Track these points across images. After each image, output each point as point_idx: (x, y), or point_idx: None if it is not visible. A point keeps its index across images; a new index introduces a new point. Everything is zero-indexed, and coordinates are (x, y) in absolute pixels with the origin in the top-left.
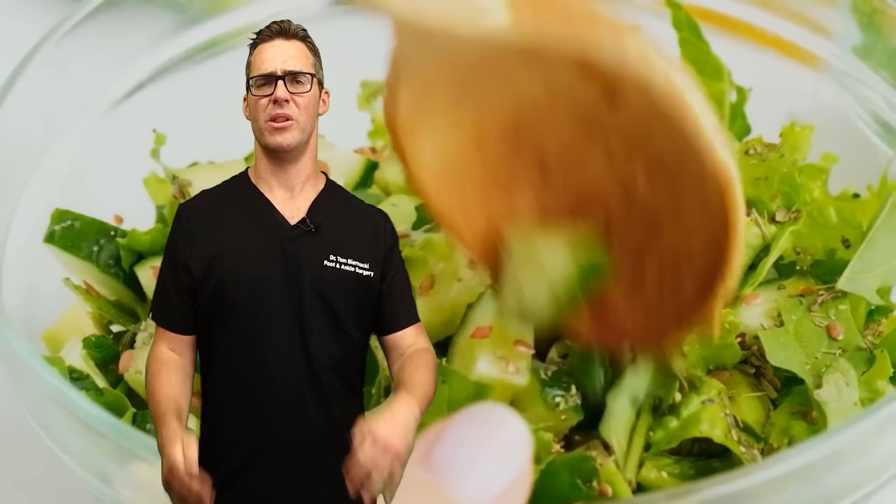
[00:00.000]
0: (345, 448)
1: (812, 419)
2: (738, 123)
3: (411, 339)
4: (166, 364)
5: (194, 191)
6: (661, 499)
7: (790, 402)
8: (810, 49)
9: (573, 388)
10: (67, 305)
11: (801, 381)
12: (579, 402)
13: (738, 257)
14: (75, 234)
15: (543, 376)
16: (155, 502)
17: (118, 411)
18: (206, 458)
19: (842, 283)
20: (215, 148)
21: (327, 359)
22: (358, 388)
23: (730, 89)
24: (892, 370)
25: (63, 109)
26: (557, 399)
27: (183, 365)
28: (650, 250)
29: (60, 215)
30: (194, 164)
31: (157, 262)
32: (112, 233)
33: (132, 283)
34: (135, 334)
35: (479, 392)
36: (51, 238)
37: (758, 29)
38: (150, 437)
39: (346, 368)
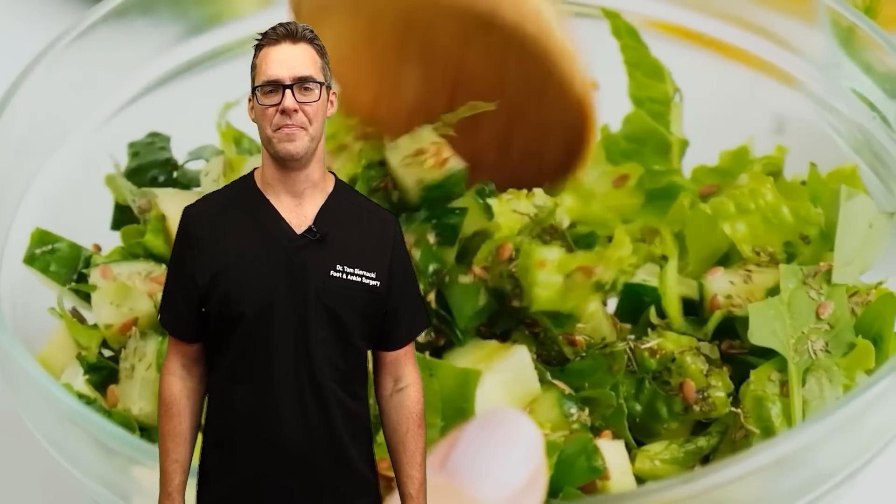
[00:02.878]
0: (347, 461)
1: (787, 392)
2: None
3: (401, 368)
4: (180, 398)
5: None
6: (662, 488)
7: (768, 367)
8: (789, 64)
9: (587, 409)
10: (56, 329)
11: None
12: (589, 423)
13: (589, 154)
14: (55, 260)
15: (564, 391)
16: None
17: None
18: (206, 467)
19: (835, 278)
20: None
21: (332, 370)
22: (362, 397)
23: (673, 90)
24: (873, 363)
25: (66, 116)
26: (572, 410)
27: (194, 395)
28: (515, 132)
29: (41, 237)
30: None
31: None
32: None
33: None
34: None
35: (467, 379)
36: (30, 261)
37: (736, 47)
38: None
39: (351, 379)
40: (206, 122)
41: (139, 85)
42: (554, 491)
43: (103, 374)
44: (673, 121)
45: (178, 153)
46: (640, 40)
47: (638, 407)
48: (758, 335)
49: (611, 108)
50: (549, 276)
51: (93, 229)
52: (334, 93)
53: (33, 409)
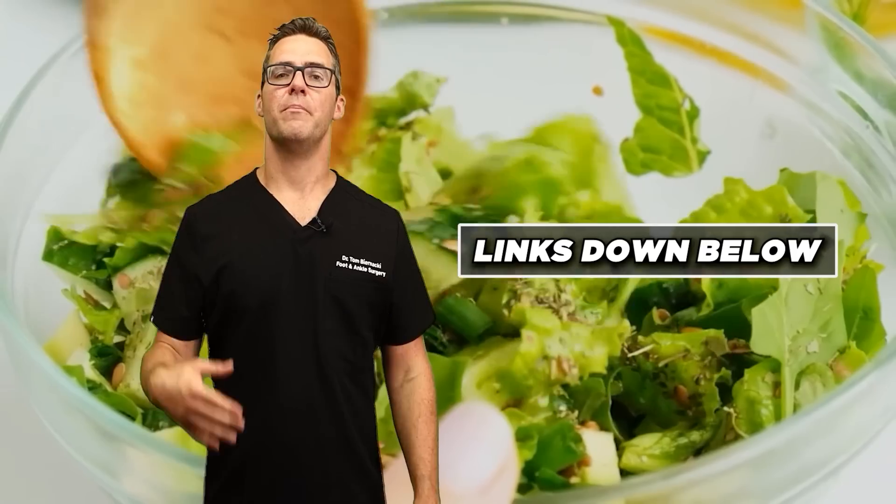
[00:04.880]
0: (355, 455)
1: (779, 393)
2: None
3: (411, 359)
4: (162, 356)
5: None
6: (650, 480)
7: (762, 368)
8: (780, 69)
9: (577, 412)
10: (67, 317)
11: None
12: (577, 423)
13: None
14: (73, 254)
15: (558, 393)
16: (164, 497)
17: (129, 414)
18: (213, 462)
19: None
20: None
21: (340, 361)
22: (371, 391)
23: (682, 97)
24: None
25: (81, 115)
26: (562, 408)
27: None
28: None
29: (56, 234)
30: None
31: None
32: (108, 251)
33: None
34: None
35: (455, 369)
36: (49, 257)
37: (728, 52)
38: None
39: (360, 371)
40: None
41: None
42: (531, 471)
43: (109, 359)
44: (692, 130)
45: None
46: (644, 48)
47: (642, 400)
48: (760, 344)
49: (617, 114)
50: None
51: None
52: (342, 98)
53: (39, 394)
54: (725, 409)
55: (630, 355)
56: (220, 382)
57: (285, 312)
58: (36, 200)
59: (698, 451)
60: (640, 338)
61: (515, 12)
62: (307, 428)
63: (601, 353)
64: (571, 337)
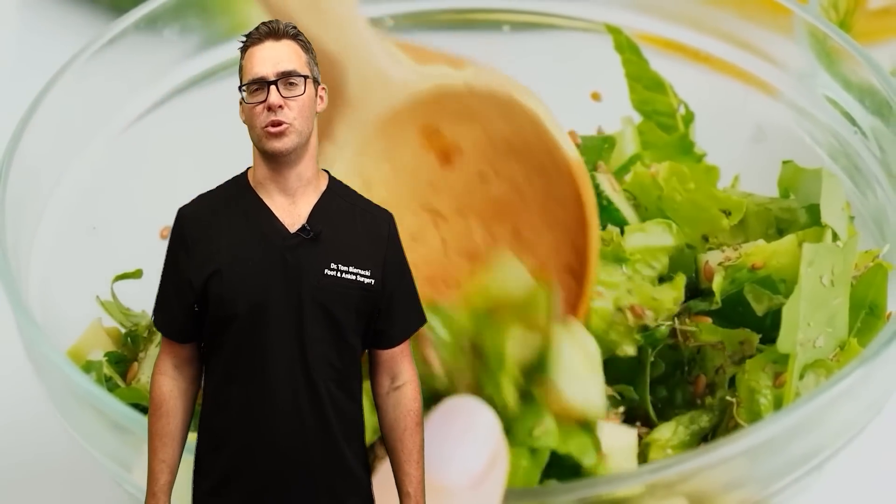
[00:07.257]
0: (342, 461)
1: (781, 382)
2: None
3: (398, 365)
4: (169, 398)
5: None
6: (646, 472)
7: (763, 358)
8: (770, 75)
9: (621, 408)
10: (88, 325)
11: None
12: (621, 420)
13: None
14: (107, 362)
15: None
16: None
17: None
18: (201, 464)
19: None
20: (235, 163)
21: (328, 369)
22: (359, 396)
23: (677, 102)
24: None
25: (88, 124)
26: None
27: (184, 395)
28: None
29: (86, 366)
30: None
31: None
32: None
33: None
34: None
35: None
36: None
37: (723, 60)
38: None
39: (348, 377)
40: (232, 127)
41: (162, 92)
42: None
43: (122, 367)
44: (689, 134)
45: (204, 156)
46: (640, 55)
47: (664, 391)
48: (787, 340)
49: (615, 118)
50: (600, 297)
51: (120, 227)
52: (323, 88)
53: (55, 389)
54: (728, 397)
55: (679, 328)
56: (211, 389)
57: (273, 319)
58: (49, 202)
59: (704, 437)
60: (687, 320)
61: (517, 20)
62: (295, 433)
63: (669, 295)
64: (636, 287)
